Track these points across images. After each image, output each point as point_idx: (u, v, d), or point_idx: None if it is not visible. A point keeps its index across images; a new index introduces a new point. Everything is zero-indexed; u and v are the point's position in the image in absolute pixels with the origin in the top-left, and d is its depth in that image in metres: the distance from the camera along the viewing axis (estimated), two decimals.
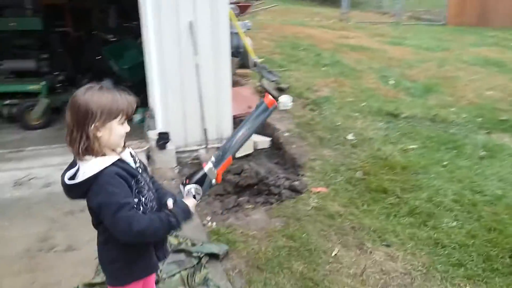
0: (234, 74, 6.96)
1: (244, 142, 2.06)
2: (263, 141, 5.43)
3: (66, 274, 2.97)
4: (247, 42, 6.78)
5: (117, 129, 1.77)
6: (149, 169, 1.88)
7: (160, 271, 3.00)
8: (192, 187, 1.91)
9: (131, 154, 1.92)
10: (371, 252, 3.28)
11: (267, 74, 6.78)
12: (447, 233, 3.48)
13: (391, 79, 7.63)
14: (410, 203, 3.90)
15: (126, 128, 1.82)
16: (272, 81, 6.76)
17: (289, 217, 3.75)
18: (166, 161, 4.63)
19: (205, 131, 5.03)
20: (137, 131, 5.44)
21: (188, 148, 5.20)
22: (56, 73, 6.50)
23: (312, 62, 8.22)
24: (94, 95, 1.73)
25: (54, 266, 3.10)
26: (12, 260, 3.14)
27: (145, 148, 4.70)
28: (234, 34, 6.45)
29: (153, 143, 4.74)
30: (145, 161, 4.51)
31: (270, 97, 2.08)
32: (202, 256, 3.15)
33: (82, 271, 3.01)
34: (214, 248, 3.21)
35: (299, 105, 6.23)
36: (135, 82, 5.93)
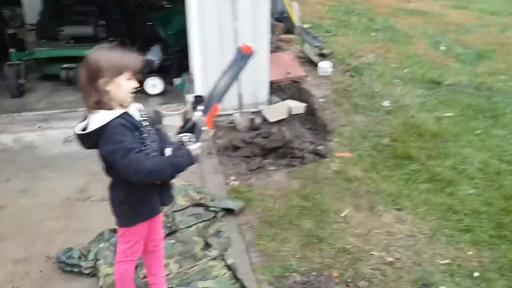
0: (278, 39, 7.03)
1: (227, 90, 2.22)
2: (298, 107, 5.52)
3: (96, 221, 3.32)
4: (292, 7, 6.77)
5: (125, 84, 1.98)
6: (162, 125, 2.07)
7: (179, 221, 3.30)
8: (184, 136, 2.11)
9: (137, 108, 2.15)
10: (380, 215, 3.37)
11: (311, 40, 6.77)
12: (463, 200, 3.47)
13: (443, 45, 7.34)
14: (432, 170, 3.90)
15: (134, 84, 2.03)
16: (316, 46, 6.76)
17: (308, 179, 3.89)
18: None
19: (240, 96, 5.20)
20: (179, 94, 5.75)
21: (225, 112, 5.41)
22: (112, 39, 6.89)
23: (363, 28, 8.06)
24: (103, 53, 1.97)
25: (87, 214, 3.49)
26: (53, 207, 3.57)
27: (182, 111, 4.96)
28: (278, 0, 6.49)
29: (189, 106, 4.99)
30: (179, 123, 4.78)
31: (247, 43, 2.20)
32: (219, 211, 3.40)
33: (111, 219, 3.33)
34: (230, 204, 3.44)
35: (340, 71, 6.21)
36: (181, 47, 6.18)
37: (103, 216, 3.37)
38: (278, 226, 3.26)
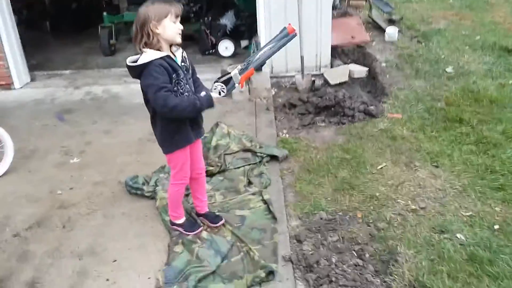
0: (347, 5, 7.11)
1: (266, 59, 2.57)
2: (360, 71, 5.67)
3: (160, 157, 3.79)
4: None
5: (170, 25, 2.38)
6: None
7: (229, 163, 3.74)
8: (218, 85, 2.50)
9: (183, 55, 2.57)
10: (416, 170, 3.54)
11: (381, 5, 6.77)
12: (504, 161, 3.51)
13: None
14: (480, 134, 3.93)
15: (179, 26, 2.42)
16: (386, 12, 6.75)
17: (353, 135, 4.12)
18: (261, 81, 5.24)
19: (302, 58, 5.46)
20: (245, 55, 6.14)
21: (288, 74, 5.72)
22: (191, 4, 7.42)
23: None
24: (149, 4, 2.39)
25: (154, 151, 3.99)
26: (128, 145, 4.18)
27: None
28: None
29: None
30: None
31: (292, 26, 2.52)
32: (264, 157, 3.78)
33: None
34: (276, 151, 3.81)
35: (407, 37, 6.20)
36: (252, 12, 6.53)
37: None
38: (316, 173, 3.57)
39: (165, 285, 2.48)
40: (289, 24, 2.60)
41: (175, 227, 2.94)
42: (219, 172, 3.63)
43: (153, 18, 2.34)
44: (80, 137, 4.41)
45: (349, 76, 5.64)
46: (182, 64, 2.54)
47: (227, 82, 2.52)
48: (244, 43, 6.16)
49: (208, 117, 4.44)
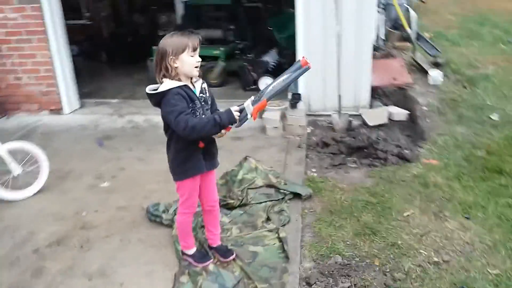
0: (392, 46, 7.05)
1: (279, 91, 2.57)
2: (400, 113, 5.54)
3: None
4: (409, 15, 6.74)
5: (188, 59, 2.45)
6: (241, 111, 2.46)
7: (251, 197, 3.71)
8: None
9: (202, 86, 2.63)
10: (445, 220, 3.35)
11: (427, 48, 6.65)
12: None
13: None
14: None
15: (197, 59, 2.49)
16: (431, 55, 6.62)
17: (383, 179, 3.99)
18: (296, 119, 5.24)
19: (339, 98, 5.42)
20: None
21: (325, 113, 5.68)
22: (237, 41, 7.63)
23: (492, 39, 7.59)
24: (167, 38, 2.48)
25: None
26: (158, 173, 4.23)
27: (282, 107, 5.39)
28: (393, 6, 6.53)
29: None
30: (277, 118, 5.19)
31: (305, 59, 2.53)
32: (288, 194, 3.73)
33: None
34: (299, 189, 3.75)
35: (452, 81, 6.03)
36: (294, 50, 6.62)
37: None
38: (338, 215, 3.47)
39: None
40: (303, 57, 2.61)
41: (185, 257, 2.93)
42: (239, 206, 3.61)
43: (171, 52, 2.42)
44: (115, 162, 4.56)
45: (388, 118, 5.52)
46: (201, 95, 2.59)
47: (240, 111, 2.54)
48: None
49: (238, 151, 4.54)
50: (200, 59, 2.52)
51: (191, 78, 2.56)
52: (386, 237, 3.17)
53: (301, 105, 5.28)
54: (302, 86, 5.72)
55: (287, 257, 2.96)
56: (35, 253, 3.08)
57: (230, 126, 2.54)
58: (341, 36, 5.23)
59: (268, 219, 3.43)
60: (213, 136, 2.62)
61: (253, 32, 7.89)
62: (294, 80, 2.59)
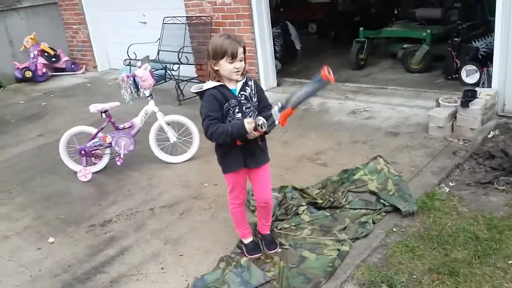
0: None
1: (303, 101, 2.51)
2: None
3: (302, 178, 3.97)
4: None
5: (225, 65, 2.57)
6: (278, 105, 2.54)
7: (350, 202, 3.52)
8: (260, 119, 2.53)
9: (248, 83, 2.70)
10: None
11: None
12: None
13: None
14: None
15: (236, 65, 2.57)
16: None
17: None
18: (467, 120, 4.44)
19: None
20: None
21: None
22: (459, 22, 6.72)
23: None
24: (215, 39, 2.62)
25: (301, 171, 4.18)
26: (287, 159, 4.44)
27: (455, 104, 4.64)
28: None
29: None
30: (443, 116, 4.53)
31: (326, 71, 2.32)
32: (387, 205, 3.38)
33: (314, 179, 3.92)
34: (401, 205, 3.32)
35: None
36: None
37: (309, 176, 4.01)
38: (427, 243, 2.96)
39: None
40: (324, 67, 2.35)
41: (242, 244, 3.12)
42: (330, 208, 3.49)
43: (212, 57, 2.58)
44: None
45: None
46: (241, 93, 2.67)
47: (268, 117, 2.52)
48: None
49: (383, 148, 4.26)
50: (241, 65, 2.59)
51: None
52: (461, 283, 2.58)
53: (475, 104, 4.43)
54: (496, 80, 4.78)
55: (331, 273, 2.79)
56: (150, 211, 3.80)
57: (263, 130, 2.57)
58: None
59: (346, 227, 3.22)
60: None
61: (482, 12, 6.79)
62: (316, 92, 2.46)
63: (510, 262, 2.69)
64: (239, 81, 2.67)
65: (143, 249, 3.29)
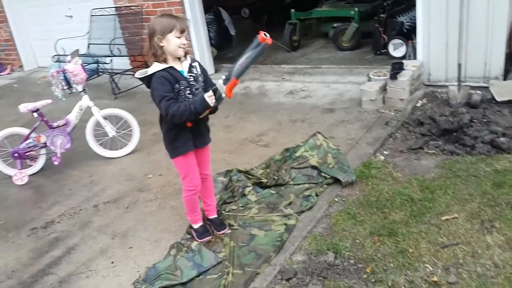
0: None
1: (245, 69, 2.50)
2: None
3: (246, 160, 4.02)
4: None
5: (173, 40, 2.56)
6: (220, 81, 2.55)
7: (293, 178, 3.63)
8: (216, 88, 2.55)
9: (193, 64, 2.71)
10: (491, 232, 2.69)
11: None
12: None
13: None
14: None
15: (183, 40, 2.58)
16: None
17: (453, 172, 3.37)
18: (396, 91, 4.68)
19: (459, 66, 4.59)
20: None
21: (448, 83, 4.91)
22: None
23: None
24: (158, 18, 2.62)
25: (249, 152, 4.24)
26: (232, 142, 4.48)
27: (385, 77, 4.86)
28: None
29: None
30: (374, 90, 4.74)
31: (262, 34, 2.36)
32: (328, 178, 3.51)
33: (256, 161, 3.98)
34: (340, 176, 3.47)
35: None
36: None
37: (253, 158, 4.07)
38: (367, 208, 3.13)
39: (137, 284, 2.74)
40: (260, 32, 2.42)
41: (191, 230, 3.13)
42: (275, 186, 3.58)
43: (159, 31, 2.55)
44: None
45: None
46: (189, 74, 2.68)
47: (214, 91, 2.54)
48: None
49: (321, 125, 4.39)
50: (186, 42, 2.58)
51: (179, 59, 2.66)
52: (399, 242, 2.75)
53: (402, 75, 4.67)
54: (421, 52, 5.06)
55: (280, 247, 2.88)
56: (94, 208, 3.71)
57: (211, 106, 2.58)
58: None
59: (291, 203, 3.33)
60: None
61: None
62: (257, 57, 2.48)
63: (443, 218, 2.89)
64: (183, 61, 2.66)
65: (90, 246, 3.23)
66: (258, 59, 2.54)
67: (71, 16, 7.76)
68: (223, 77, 2.55)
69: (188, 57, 2.72)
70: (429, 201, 3.07)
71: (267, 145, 4.36)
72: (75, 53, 4.40)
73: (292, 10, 7.44)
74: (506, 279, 2.35)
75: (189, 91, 2.65)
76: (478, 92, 4.48)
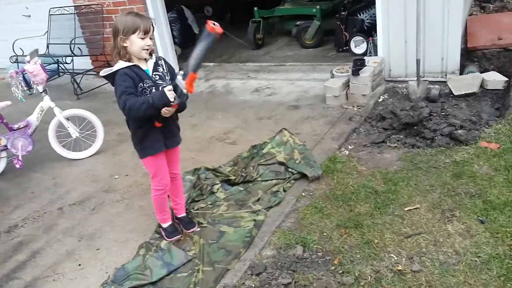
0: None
1: (200, 61, 2.48)
2: (495, 81, 4.60)
3: (213, 159, 4.02)
4: None
5: (137, 41, 2.53)
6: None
7: (261, 174, 3.66)
8: (179, 84, 2.53)
9: (159, 63, 2.68)
10: (451, 221, 2.81)
11: None
12: None
13: None
14: None
15: (147, 42, 2.54)
16: None
17: (414, 164, 3.49)
18: (358, 87, 4.80)
19: (417, 62, 4.74)
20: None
21: (408, 79, 5.06)
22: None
23: None
24: (122, 17, 2.57)
25: (213, 151, 4.24)
26: (199, 141, 4.48)
27: (347, 74, 4.97)
28: None
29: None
30: (337, 86, 4.84)
31: (211, 24, 2.39)
32: (295, 173, 3.57)
33: (224, 159, 3.99)
34: (307, 171, 3.54)
35: None
36: None
37: (220, 155, 4.07)
38: (333, 202, 3.20)
39: (105, 285, 2.70)
40: (208, 21, 2.43)
41: (160, 229, 3.12)
42: (243, 182, 3.60)
43: (122, 32, 2.51)
44: None
45: (482, 86, 4.66)
46: (155, 73, 2.65)
47: (175, 87, 2.53)
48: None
49: (286, 121, 4.44)
50: (150, 43, 2.56)
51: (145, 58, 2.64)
52: (366, 233, 2.83)
53: (364, 71, 4.79)
54: (381, 48, 5.19)
55: (249, 242, 2.91)
56: (58, 211, 3.64)
57: (175, 103, 2.56)
58: None
59: (259, 199, 3.36)
60: (162, 114, 2.62)
61: None
62: (210, 48, 2.47)
63: (406, 209, 3.00)
64: (148, 60, 2.64)
65: (56, 249, 3.16)
66: (209, 52, 2.50)
67: (29, 16, 7.52)
68: (181, 73, 2.54)
69: (154, 55, 2.70)
70: (392, 193, 3.17)
71: (234, 142, 4.38)
72: (34, 53, 4.28)
73: (255, 8, 7.47)
74: (467, 265, 2.46)
75: (155, 90, 2.63)
76: (437, 86, 4.66)
